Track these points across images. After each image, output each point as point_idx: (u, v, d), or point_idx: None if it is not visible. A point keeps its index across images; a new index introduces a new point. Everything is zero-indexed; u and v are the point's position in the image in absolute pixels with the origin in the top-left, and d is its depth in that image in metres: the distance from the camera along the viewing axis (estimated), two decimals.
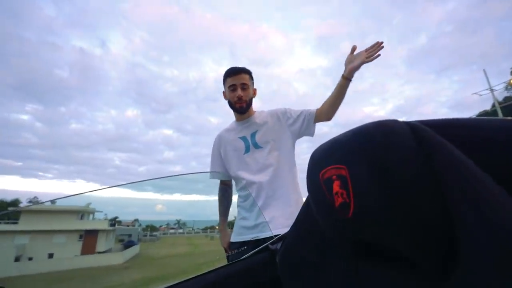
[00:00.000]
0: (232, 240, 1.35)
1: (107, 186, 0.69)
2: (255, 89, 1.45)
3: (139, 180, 0.75)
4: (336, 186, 0.32)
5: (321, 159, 0.36)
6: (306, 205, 0.47)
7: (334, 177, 0.32)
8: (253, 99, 1.43)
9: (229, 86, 1.37)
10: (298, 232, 0.48)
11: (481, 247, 0.23)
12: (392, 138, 0.29)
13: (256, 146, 1.36)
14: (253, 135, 1.38)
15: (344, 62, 1.26)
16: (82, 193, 0.63)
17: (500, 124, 0.30)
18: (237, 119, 1.47)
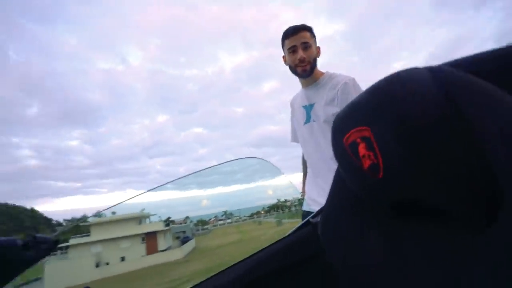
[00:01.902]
0: None
1: (148, 190, 0.75)
2: (319, 47, 1.25)
3: (174, 179, 0.80)
4: (362, 149, 0.30)
5: (342, 124, 0.34)
6: (337, 173, 0.46)
7: (358, 140, 0.31)
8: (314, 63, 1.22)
9: (289, 48, 1.19)
10: (334, 201, 0.47)
11: None
12: (410, 88, 0.26)
13: (313, 119, 1.26)
14: (311, 105, 1.26)
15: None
16: (129, 199, 0.69)
17: None
18: (302, 85, 1.31)
